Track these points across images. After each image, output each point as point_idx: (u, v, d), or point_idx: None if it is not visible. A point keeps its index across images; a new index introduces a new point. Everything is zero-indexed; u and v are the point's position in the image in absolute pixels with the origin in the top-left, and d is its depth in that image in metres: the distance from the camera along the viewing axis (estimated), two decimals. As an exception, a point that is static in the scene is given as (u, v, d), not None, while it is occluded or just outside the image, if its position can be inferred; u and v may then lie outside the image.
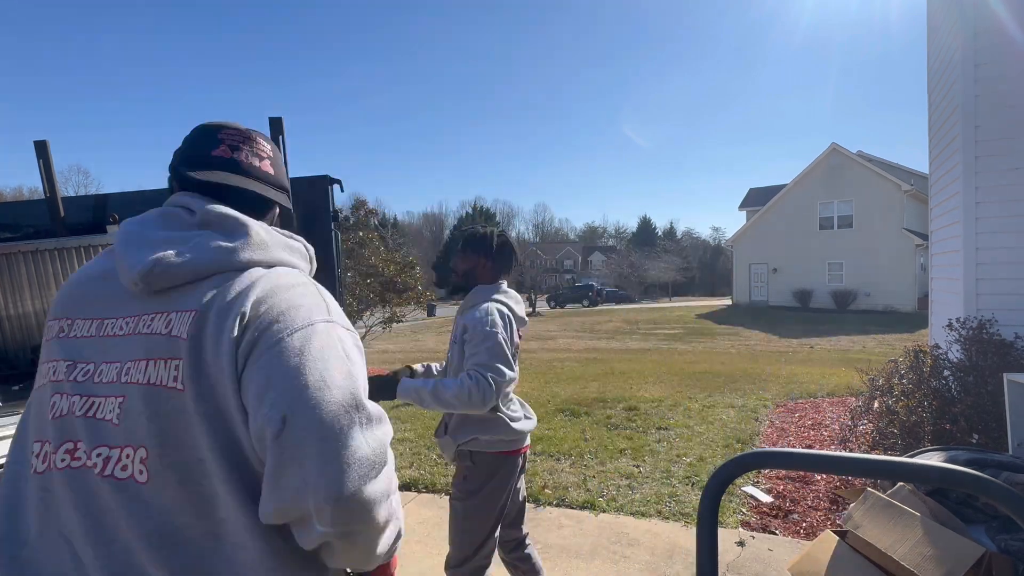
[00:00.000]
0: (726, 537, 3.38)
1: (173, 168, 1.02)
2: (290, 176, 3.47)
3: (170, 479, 0.80)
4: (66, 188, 40.77)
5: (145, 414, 0.81)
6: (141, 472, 0.80)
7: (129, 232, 0.92)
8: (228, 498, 0.81)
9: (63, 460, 0.84)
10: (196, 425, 0.81)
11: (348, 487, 0.77)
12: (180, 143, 1.04)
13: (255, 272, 0.89)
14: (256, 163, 1.02)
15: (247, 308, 0.83)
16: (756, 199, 34.84)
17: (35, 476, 0.86)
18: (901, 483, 2.61)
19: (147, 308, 0.87)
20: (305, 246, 1.05)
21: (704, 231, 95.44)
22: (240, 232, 0.92)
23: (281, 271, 0.92)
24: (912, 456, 2.92)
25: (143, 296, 0.88)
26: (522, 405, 2.22)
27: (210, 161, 0.98)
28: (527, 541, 2.36)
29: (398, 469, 4.82)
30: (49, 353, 0.93)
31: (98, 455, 0.82)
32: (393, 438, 4.75)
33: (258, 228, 0.94)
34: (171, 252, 0.87)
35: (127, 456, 0.81)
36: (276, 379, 0.79)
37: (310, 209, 3.51)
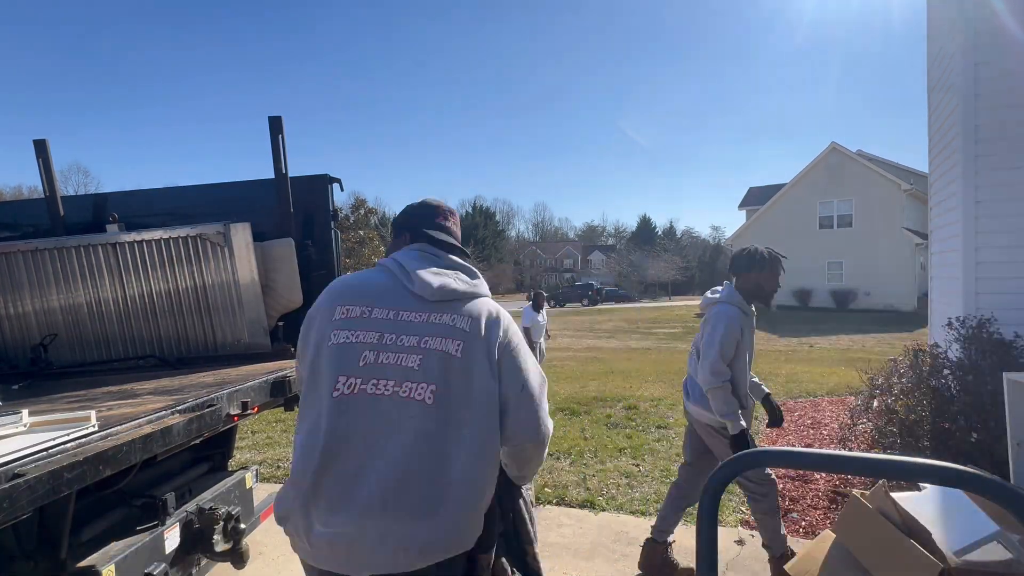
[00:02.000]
0: (726, 535, 3.38)
1: (411, 226, 1.63)
2: (289, 175, 3.49)
3: (442, 403, 1.33)
4: (66, 187, 40.70)
5: (438, 366, 1.35)
6: (429, 397, 1.33)
7: (410, 263, 1.50)
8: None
9: (372, 388, 1.34)
10: (463, 375, 1.37)
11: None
12: (406, 209, 1.68)
13: (488, 300, 1.52)
14: (455, 229, 1.66)
15: (504, 322, 1.48)
16: (756, 198, 34.80)
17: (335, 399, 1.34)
18: (878, 486, 2.63)
19: (431, 308, 1.43)
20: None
21: (704, 230, 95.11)
22: (476, 275, 1.56)
23: (490, 299, 1.54)
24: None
25: (426, 301, 1.44)
26: None
27: (438, 226, 1.62)
28: None
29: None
30: (348, 325, 1.42)
31: (406, 386, 1.34)
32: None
33: (478, 273, 1.57)
34: (450, 280, 1.48)
35: (422, 388, 1.34)
36: (518, 366, 1.45)
37: (310, 208, 3.50)
